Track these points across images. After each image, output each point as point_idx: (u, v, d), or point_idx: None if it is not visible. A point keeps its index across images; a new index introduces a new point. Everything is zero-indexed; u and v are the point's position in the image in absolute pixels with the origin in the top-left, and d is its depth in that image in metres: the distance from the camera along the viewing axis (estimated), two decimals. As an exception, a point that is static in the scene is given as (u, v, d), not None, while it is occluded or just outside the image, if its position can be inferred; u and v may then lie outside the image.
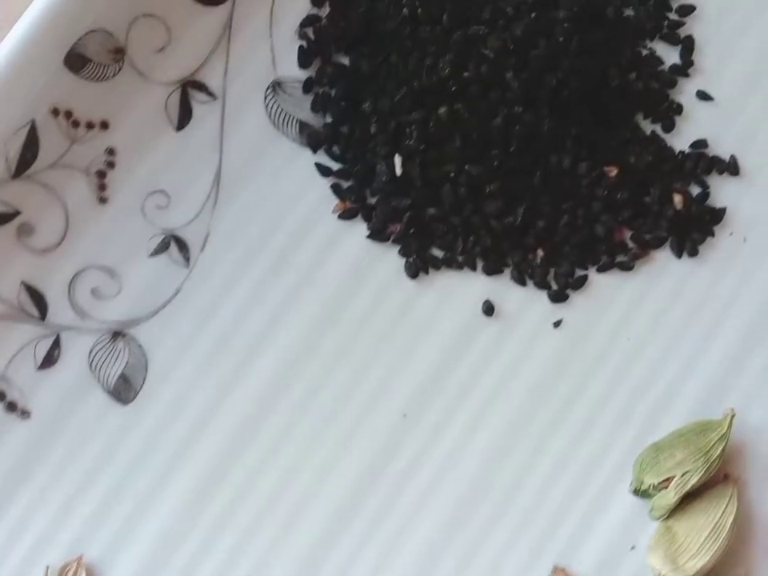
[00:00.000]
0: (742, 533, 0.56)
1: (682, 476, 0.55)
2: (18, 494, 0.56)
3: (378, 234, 0.59)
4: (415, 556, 0.56)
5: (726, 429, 0.56)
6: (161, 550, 0.56)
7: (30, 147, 0.56)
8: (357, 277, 0.59)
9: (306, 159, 0.59)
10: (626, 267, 0.59)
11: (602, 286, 0.59)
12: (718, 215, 0.59)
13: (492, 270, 0.59)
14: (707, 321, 0.59)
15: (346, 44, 0.59)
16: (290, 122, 0.59)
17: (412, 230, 0.58)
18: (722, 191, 0.60)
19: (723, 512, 0.55)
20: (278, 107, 0.59)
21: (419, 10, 0.58)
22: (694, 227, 0.59)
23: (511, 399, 0.58)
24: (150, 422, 0.57)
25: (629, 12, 0.61)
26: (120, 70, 0.57)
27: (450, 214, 0.58)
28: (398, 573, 0.56)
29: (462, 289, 0.59)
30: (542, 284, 0.59)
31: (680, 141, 0.60)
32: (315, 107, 0.59)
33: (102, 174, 0.57)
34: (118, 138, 0.58)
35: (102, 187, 0.58)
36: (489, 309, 0.58)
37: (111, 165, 0.57)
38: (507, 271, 0.59)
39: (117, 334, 0.57)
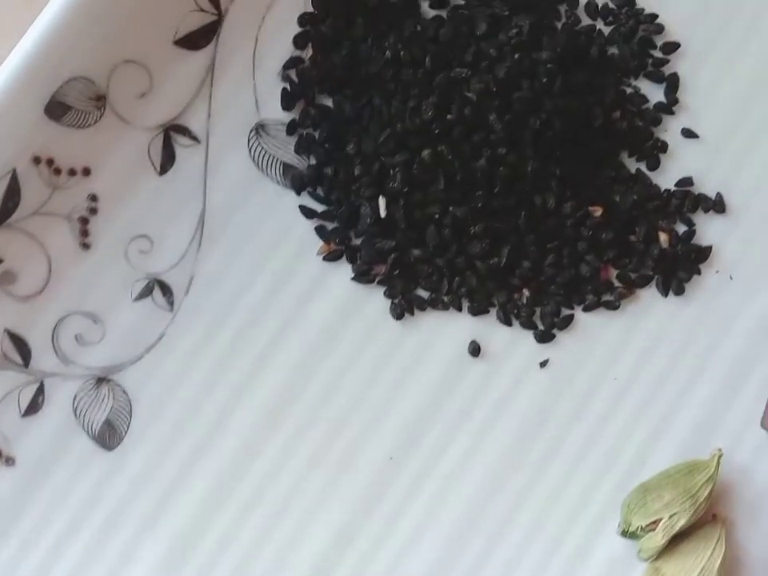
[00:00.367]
0: (731, 574, 0.56)
1: (670, 518, 0.55)
2: (2, 541, 0.56)
3: (362, 276, 0.59)
4: (403, 599, 0.57)
5: (713, 469, 0.56)
6: (146, 596, 0.56)
7: (12, 196, 0.56)
8: (342, 319, 0.59)
9: (290, 201, 0.59)
10: (612, 306, 0.59)
11: (589, 325, 0.59)
12: (704, 253, 0.60)
13: (478, 311, 0.59)
14: (694, 359, 0.59)
15: (330, 86, 0.60)
16: (273, 165, 0.60)
17: (397, 272, 0.59)
18: (708, 229, 0.60)
19: (711, 553, 0.55)
20: (261, 149, 0.59)
21: (402, 53, 0.58)
22: (680, 265, 0.60)
23: (498, 440, 0.58)
24: (135, 467, 0.57)
25: (613, 50, 0.61)
26: (102, 116, 0.57)
27: (435, 255, 0.59)
28: (385, 617, 0.56)
29: (447, 330, 0.59)
30: (528, 324, 0.59)
31: (665, 179, 0.60)
32: (299, 149, 0.60)
33: (84, 221, 0.58)
34: (101, 183, 0.58)
35: (85, 233, 0.58)
36: (475, 349, 0.59)
37: (94, 211, 0.58)
38: (493, 311, 0.59)
39: (101, 380, 0.58)
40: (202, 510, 0.57)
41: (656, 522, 0.55)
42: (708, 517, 0.57)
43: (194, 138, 0.59)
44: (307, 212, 0.59)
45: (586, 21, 0.61)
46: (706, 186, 0.60)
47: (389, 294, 0.59)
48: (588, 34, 0.61)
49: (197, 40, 0.58)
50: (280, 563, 0.57)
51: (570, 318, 0.59)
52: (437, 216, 0.58)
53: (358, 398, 0.58)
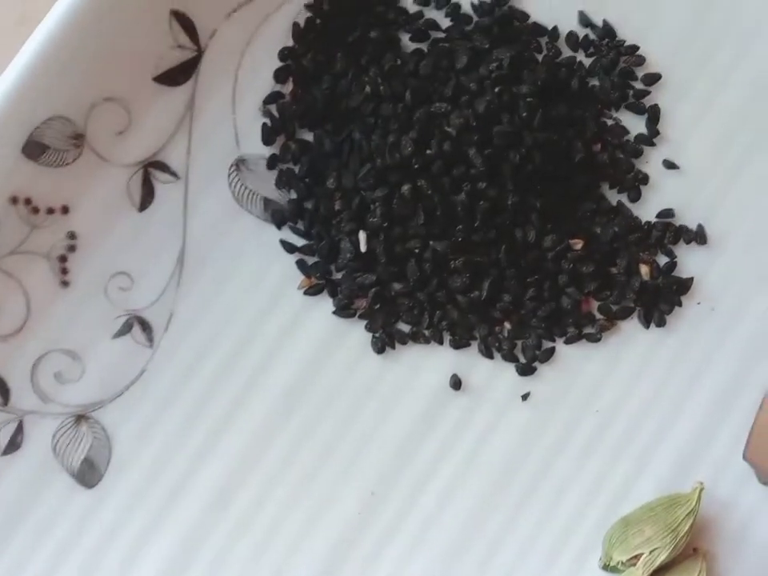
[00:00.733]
0: (712, 608, 0.57)
1: (650, 553, 0.56)
2: (-18, 579, 0.57)
3: (343, 310, 0.59)
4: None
5: (694, 503, 0.56)
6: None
7: (-11, 235, 0.57)
8: (323, 353, 0.59)
9: (271, 236, 0.60)
10: (594, 339, 0.60)
11: (570, 357, 0.60)
12: (685, 285, 0.60)
13: (459, 344, 0.59)
14: (676, 392, 0.59)
15: (310, 121, 0.60)
16: (254, 199, 0.60)
17: (378, 306, 0.59)
18: (690, 260, 0.60)
19: (693, 587, 0.56)
20: (241, 184, 0.60)
21: (382, 88, 0.59)
22: (662, 297, 0.60)
23: (480, 474, 0.59)
24: (116, 505, 0.58)
25: (594, 82, 0.61)
26: (80, 154, 0.57)
27: (416, 289, 0.59)
28: None
29: (429, 363, 0.59)
30: (509, 357, 0.59)
31: (646, 210, 0.61)
32: (279, 184, 0.60)
33: (63, 258, 0.58)
34: (80, 221, 0.58)
35: (64, 271, 0.58)
36: (456, 383, 0.59)
37: (72, 248, 0.58)
38: (474, 345, 0.59)
39: (80, 418, 0.58)
40: (182, 548, 0.58)
41: (637, 557, 0.56)
42: (689, 550, 0.57)
43: (174, 174, 0.59)
44: (288, 246, 0.60)
45: (567, 53, 0.61)
46: (688, 218, 0.60)
47: (370, 328, 0.59)
48: (569, 66, 0.61)
49: (176, 76, 0.59)
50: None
51: (552, 350, 0.59)
52: (417, 250, 0.58)
53: (340, 432, 0.59)
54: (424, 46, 0.61)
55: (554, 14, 0.61)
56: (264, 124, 0.60)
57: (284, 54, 0.60)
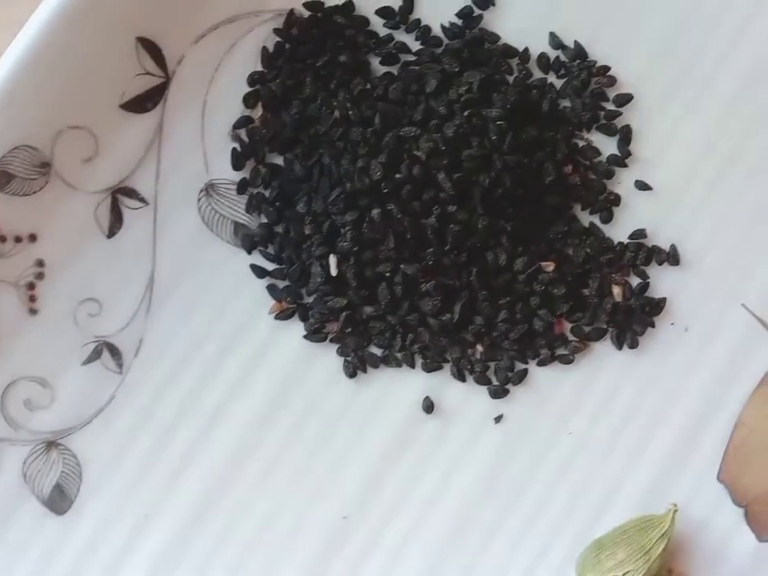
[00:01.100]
0: (686, 630, 0.57)
1: (623, 576, 0.56)
2: (-47, 608, 0.57)
3: (315, 335, 0.60)
4: None
5: (668, 525, 0.57)
6: None
7: (-44, 265, 0.58)
8: (295, 378, 0.60)
9: (241, 260, 0.60)
10: (567, 360, 0.60)
11: (543, 379, 0.60)
12: (658, 306, 0.60)
13: (431, 367, 0.60)
14: (650, 413, 0.60)
15: (280, 145, 0.61)
16: (224, 224, 0.60)
17: (349, 330, 0.60)
18: (663, 281, 0.61)
19: (666, 609, 0.56)
20: (211, 209, 0.60)
21: (351, 112, 0.59)
22: (634, 318, 0.60)
23: (453, 497, 0.59)
24: (86, 531, 0.58)
25: (565, 103, 0.62)
26: (47, 183, 0.58)
27: (387, 312, 0.59)
28: None
29: (401, 386, 0.60)
30: (481, 380, 0.60)
31: (619, 231, 0.61)
32: (250, 208, 0.61)
33: (31, 286, 0.58)
34: (48, 249, 0.59)
35: (32, 299, 0.59)
36: (429, 406, 0.60)
37: (41, 276, 0.58)
38: (447, 367, 0.60)
39: (51, 444, 0.58)
40: (153, 574, 0.58)
41: (609, 581, 0.56)
42: (664, 572, 0.57)
43: (143, 200, 0.60)
44: (258, 271, 0.60)
45: (538, 74, 0.62)
46: (660, 238, 0.61)
47: (341, 352, 0.60)
48: (540, 88, 0.61)
49: (144, 103, 0.59)
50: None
51: (524, 372, 0.60)
52: (388, 274, 0.59)
53: (312, 456, 0.59)
54: (394, 69, 0.61)
55: (525, 35, 0.61)
56: (233, 149, 0.60)
57: (253, 78, 0.60)
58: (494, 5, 0.61)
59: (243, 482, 0.59)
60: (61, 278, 0.59)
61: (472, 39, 0.61)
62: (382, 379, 0.60)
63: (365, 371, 0.60)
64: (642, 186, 0.61)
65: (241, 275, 0.60)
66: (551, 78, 0.62)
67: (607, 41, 0.61)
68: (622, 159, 0.61)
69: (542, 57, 0.62)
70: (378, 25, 0.61)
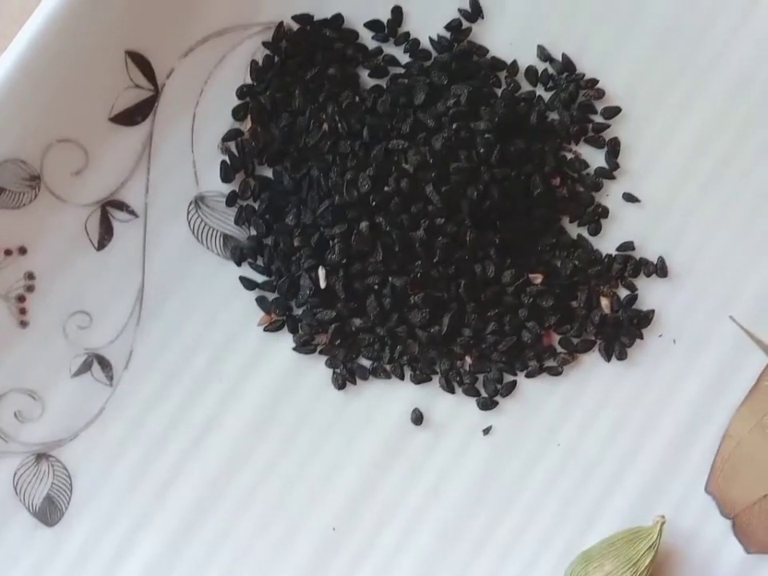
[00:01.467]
0: (673, 641, 0.58)
1: (610, 588, 0.57)
2: (-58, 621, 0.58)
3: (304, 346, 0.61)
4: None
5: (655, 537, 0.57)
6: None
7: (-54, 279, 0.58)
8: (284, 389, 0.60)
9: (231, 273, 0.61)
10: (555, 372, 0.61)
11: (532, 391, 0.61)
12: (646, 318, 0.61)
13: (420, 379, 0.61)
14: (638, 424, 0.60)
15: (269, 157, 0.61)
16: (213, 236, 0.61)
17: (338, 342, 0.60)
18: (651, 293, 0.61)
19: (654, 620, 0.57)
20: (201, 222, 0.61)
21: (339, 125, 0.60)
22: (623, 330, 0.61)
23: (442, 509, 0.60)
24: (76, 543, 0.59)
25: (553, 116, 0.62)
26: (36, 196, 0.59)
27: (376, 324, 0.60)
28: None
29: (390, 398, 0.61)
30: (470, 391, 0.61)
31: (607, 244, 0.62)
32: (239, 221, 0.61)
33: (21, 298, 0.59)
34: (38, 261, 0.59)
35: (23, 311, 0.59)
36: (418, 418, 0.60)
37: (31, 288, 0.59)
38: (435, 379, 0.61)
39: (41, 456, 0.59)
40: (144, 586, 0.59)
41: (597, 591, 0.57)
42: (652, 584, 0.58)
43: (132, 213, 0.60)
44: (247, 283, 0.61)
45: (526, 87, 0.62)
46: (648, 251, 0.61)
47: (330, 364, 0.60)
48: (528, 101, 0.62)
49: (133, 116, 0.60)
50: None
51: (513, 384, 0.61)
52: (376, 286, 0.60)
53: (301, 468, 0.60)
54: (383, 82, 0.62)
55: (514, 48, 0.62)
56: (223, 161, 0.61)
57: (242, 91, 0.61)
58: (482, 18, 0.62)
59: (233, 494, 0.59)
60: (51, 291, 0.59)
61: (460, 52, 0.62)
62: (371, 391, 0.60)
63: (354, 383, 0.60)
64: (630, 198, 0.62)
65: (230, 287, 0.61)
66: (539, 91, 0.62)
67: (595, 53, 0.62)
68: (609, 172, 0.62)
69: (530, 69, 0.62)
70: (367, 38, 0.62)
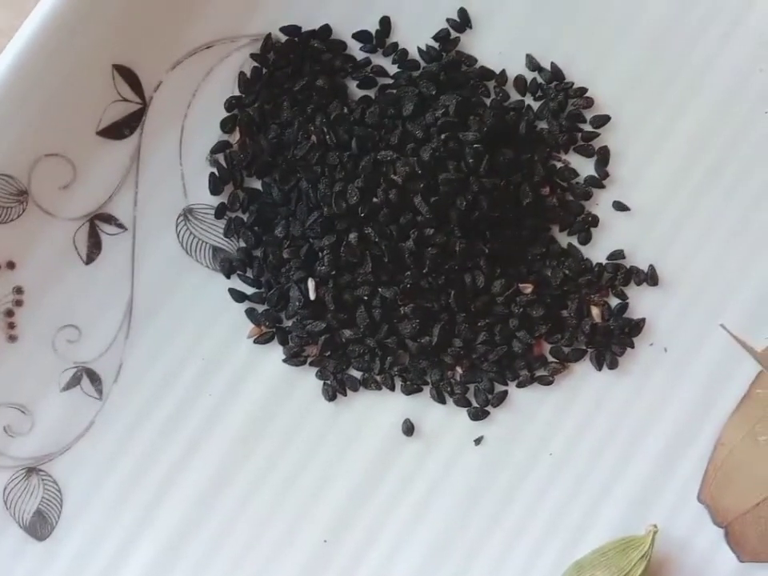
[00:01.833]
0: (666, 650, 0.58)
1: (602, 597, 0.57)
2: (-67, 636, 0.58)
3: (294, 358, 0.61)
4: None
5: (647, 546, 0.58)
6: None
7: (-67, 294, 0.59)
8: (274, 401, 0.61)
9: (220, 285, 0.61)
10: (546, 381, 0.61)
11: (523, 401, 0.61)
12: (637, 326, 0.62)
13: (411, 390, 0.61)
14: (630, 433, 0.61)
15: (258, 169, 0.62)
16: (202, 249, 0.61)
17: (328, 353, 0.61)
18: (641, 301, 0.62)
19: (647, 630, 0.57)
20: (189, 234, 0.61)
21: (328, 136, 0.60)
22: (614, 339, 0.62)
23: (433, 519, 0.60)
24: (67, 557, 0.59)
25: (542, 125, 0.63)
26: (24, 210, 0.59)
27: (366, 335, 0.61)
28: None
29: (381, 409, 0.61)
30: (461, 402, 0.61)
31: (597, 252, 0.62)
32: (228, 233, 0.62)
33: (10, 313, 0.59)
34: (26, 276, 0.60)
35: (11, 326, 0.60)
36: (409, 428, 0.61)
37: (19, 303, 0.59)
38: (426, 390, 0.61)
39: (31, 470, 0.59)
40: (134, 599, 0.60)
41: (589, 602, 0.57)
42: (645, 593, 0.58)
43: (121, 226, 0.61)
44: (237, 295, 0.61)
45: (515, 96, 0.63)
46: (639, 259, 0.62)
47: (321, 376, 0.61)
48: (517, 110, 0.62)
49: (121, 129, 0.60)
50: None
51: (504, 394, 0.61)
52: (366, 297, 0.60)
53: (292, 480, 0.60)
54: (372, 93, 0.62)
55: (502, 58, 0.62)
56: (211, 173, 0.61)
57: (230, 103, 0.62)
58: (470, 27, 0.62)
59: (224, 506, 0.60)
60: (39, 305, 0.60)
61: (449, 62, 0.62)
62: (362, 402, 0.61)
63: (344, 394, 0.61)
64: (620, 206, 0.62)
65: (220, 299, 0.61)
66: (528, 100, 0.63)
67: (584, 62, 0.62)
68: (599, 180, 0.62)
69: (519, 79, 0.63)
70: (355, 49, 0.62)
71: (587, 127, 0.63)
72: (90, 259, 0.60)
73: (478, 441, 0.60)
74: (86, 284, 0.60)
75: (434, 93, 0.61)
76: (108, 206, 0.60)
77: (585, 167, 0.62)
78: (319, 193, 0.60)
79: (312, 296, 0.60)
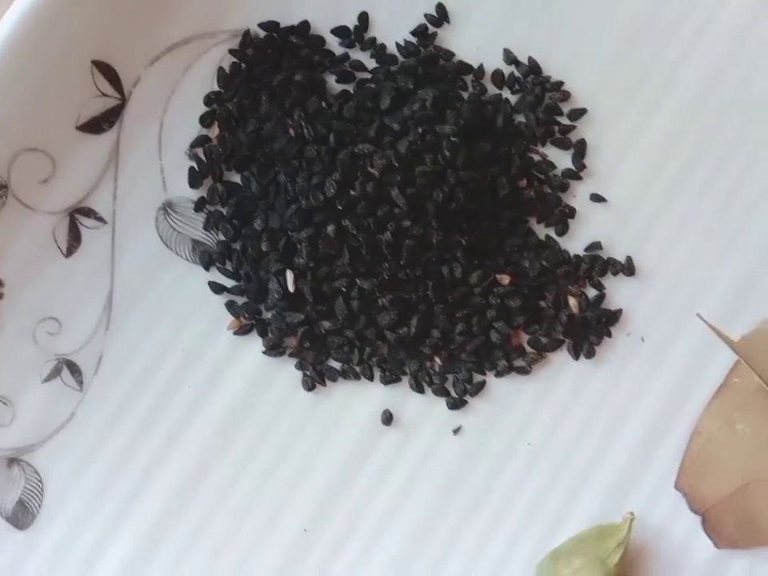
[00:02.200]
0: (642, 637, 0.59)
1: (578, 584, 0.57)
2: None
3: (273, 349, 0.62)
4: None
5: (624, 534, 0.58)
6: None
7: None
8: (254, 392, 0.61)
9: (199, 277, 0.62)
10: (524, 371, 0.62)
11: (501, 390, 0.62)
12: (614, 316, 0.62)
13: (389, 380, 0.62)
14: (607, 422, 0.61)
15: (237, 163, 0.62)
16: (182, 242, 0.62)
17: (307, 344, 0.62)
18: (618, 292, 0.63)
19: (623, 616, 0.57)
20: (169, 227, 0.62)
21: (306, 130, 0.61)
22: (591, 329, 0.62)
23: (412, 508, 0.61)
24: (49, 546, 0.60)
25: (520, 118, 0.63)
26: (3, 204, 0.59)
27: (345, 327, 0.61)
28: None
29: (360, 399, 0.62)
30: (440, 391, 0.62)
31: (575, 244, 0.63)
32: (207, 226, 0.62)
33: (-10, 306, 0.61)
34: (6, 269, 0.60)
35: (-8, 319, 0.61)
36: (388, 418, 0.61)
37: (0, 296, 0.60)
38: (405, 380, 0.62)
39: (12, 461, 0.60)
40: (115, 588, 0.60)
41: (565, 589, 0.58)
42: (622, 580, 0.59)
43: (101, 220, 0.61)
44: (216, 288, 0.62)
45: (492, 90, 0.63)
46: (616, 250, 0.62)
47: (300, 366, 0.62)
48: (494, 104, 0.63)
49: (100, 124, 0.61)
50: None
51: (482, 384, 0.62)
52: (344, 289, 0.61)
53: (272, 470, 0.61)
54: (350, 87, 0.63)
55: (480, 52, 0.63)
56: (191, 167, 0.62)
57: (209, 98, 0.62)
58: (448, 22, 0.63)
59: (204, 496, 0.60)
60: (20, 298, 0.60)
61: (427, 56, 0.63)
62: (341, 392, 0.61)
63: (324, 384, 0.61)
64: (597, 198, 0.63)
65: (199, 292, 0.62)
66: (506, 94, 0.63)
67: (561, 56, 0.63)
68: (576, 172, 0.63)
69: (497, 73, 0.63)
70: (333, 44, 0.63)
71: (564, 120, 0.63)
72: (69, 252, 0.61)
73: (456, 430, 0.61)
74: (66, 277, 0.61)
75: (411, 87, 0.62)
76: (87, 199, 0.61)
77: (562, 160, 0.63)
78: (297, 186, 0.60)
79: (291, 288, 0.61)
